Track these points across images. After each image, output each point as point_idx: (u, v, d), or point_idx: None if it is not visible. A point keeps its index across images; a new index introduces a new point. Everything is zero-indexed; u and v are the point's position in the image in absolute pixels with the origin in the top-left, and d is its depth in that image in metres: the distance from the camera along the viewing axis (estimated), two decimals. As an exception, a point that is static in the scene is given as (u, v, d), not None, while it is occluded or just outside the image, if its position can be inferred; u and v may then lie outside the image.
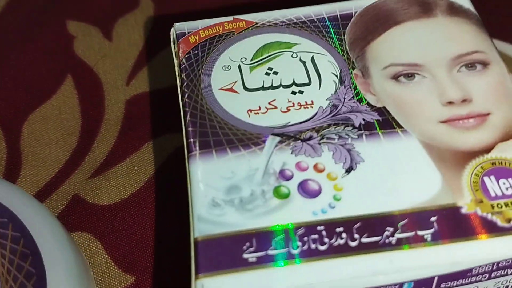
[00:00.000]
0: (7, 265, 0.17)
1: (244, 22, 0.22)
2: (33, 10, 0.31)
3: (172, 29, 0.23)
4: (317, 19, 0.22)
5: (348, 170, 0.18)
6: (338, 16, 0.22)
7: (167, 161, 0.25)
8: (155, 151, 0.26)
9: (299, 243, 0.16)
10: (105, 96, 0.28)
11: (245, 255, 0.16)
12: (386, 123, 0.19)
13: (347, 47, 0.21)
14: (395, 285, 0.16)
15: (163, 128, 0.27)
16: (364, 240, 0.16)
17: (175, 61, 0.22)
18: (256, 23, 0.22)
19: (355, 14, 0.22)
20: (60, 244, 0.18)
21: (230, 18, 0.23)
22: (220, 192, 0.18)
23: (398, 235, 0.16)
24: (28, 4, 0.31)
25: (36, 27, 0.30)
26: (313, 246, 0.16)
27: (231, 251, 0.16)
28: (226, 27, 0.22)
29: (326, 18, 0.22)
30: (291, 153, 0.18)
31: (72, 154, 0.26)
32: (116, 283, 0.22)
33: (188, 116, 0.19)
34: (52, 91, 0.28)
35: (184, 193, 0.24)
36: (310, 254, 0.16)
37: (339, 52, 0.21)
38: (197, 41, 0.22)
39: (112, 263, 0.22)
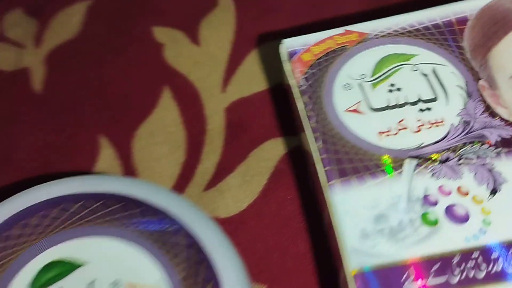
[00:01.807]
0: (187, 269, 0.19)
1: (356, 34, 0.22)
2: (113, 19, 0.31)
3: (281, 46, 0.23)
4: (431, 25, 0.22)
5: (493, 192, 0.18)
6: (453, 21, 0.22)
7: (276, 170, 0.26)
8: (262, 159, 0.26)
9: (457, 271, 0.17)
10: (204, 105, 0.28)
11: (407, 285, 0.17)
12: (523, 138, 0.19)
13: (468, 56, 0.21)
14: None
15: (266, 134, 0.27)
16: (521, 265, 0.17)
17: (291, 82, 0.22)
18: (369, 34, 0.22)
19: (470, 17, 0.22)
20: (228, 250, 0.20)
21: (341, 30, 0.22)
22: (368, 223, 0.18)
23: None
24: (107, 14, 0.31)
25: (122, 37, 0.30)
26: (471, 274, 0.17)
27: (390, 283, 0.17)
28: (338, 40, 0.22)
29: (441, 23, 0.22)
30: (431, 176, 0.19)
31: (183, 167, 0.26)
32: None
33: (321, 142, 0.20)
34: (153, 104, 0.28)
35: (301, 199, 0.25)
36: (469, 283, 0.17)
37: (460, 62, 0.21)
38: (312, 59, 0.22)
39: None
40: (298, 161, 0.26)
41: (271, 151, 0.26)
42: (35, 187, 0.21)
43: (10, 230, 0.20)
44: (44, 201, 0.21)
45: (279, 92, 0.28)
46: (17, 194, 0.21)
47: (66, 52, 0.30)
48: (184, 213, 0.20)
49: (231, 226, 0.25)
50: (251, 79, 0.29)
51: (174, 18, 0.30)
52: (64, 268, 0.19)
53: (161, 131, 0.27)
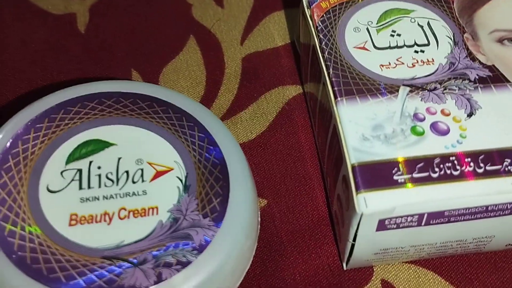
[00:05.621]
0: (197, 156, 0.22)
1: (366, -9, 0.26)
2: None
3: (304, -5, 0.27)
4: (429, -11, 0.26)
5: (470, 115, 0.22)
6: (447, -13, 0.26)
7: (282, 110, 0.30)
8: (271, 101, 0.30)
9: (437, 169, 0.21)
10: (224, 53, 0.32)
11: (395, 177, 0.21)
12: (496, 78, 0.23)
13: (457, 14, 0.25)
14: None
15: (275, 82, 0.31)
16: (488, 168, 0.21)
17: (310, 23, 0.26)
18: (377, -8, 0.26)
19: (460, -14, 0.26)
20: (234, 145, 0.23)
21: (353, -13, 0.27)
22: (367, 129, 0.22)
23: (515, 165, 0.21)
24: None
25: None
26: (448, 172, 0.21)
27: (383, 174, 0.21)
28: (351, -5, 0.26)
29: (436, -11, 0.26)
30: (421, 100, 0.23)
31: (202, 99, 0.30)
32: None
33: (331, 69, 0.24)
34: (179, 48, 0.32)
35: (303, 134, 0.29)
36: (446, 178, 0.21)
37: (450, 18, 0.25)
38: (328, 6, 0.26)
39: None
40: (301, 105, 0.30)
41: (279, 95, 0.30)
42: (78, 85, 0.25)
43: (58, 114, 0.23)
44: (85, 95, 0.24)
45: (288, 50, 0.32)
46: (64, 88, 0.24)
47: (108, 4, 0.34)
48: (199, 112, 0.24)
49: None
50: (266, 37, 0.33)
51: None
52: (98, 146, 0.23)
53: (185, 69, 0.31)
